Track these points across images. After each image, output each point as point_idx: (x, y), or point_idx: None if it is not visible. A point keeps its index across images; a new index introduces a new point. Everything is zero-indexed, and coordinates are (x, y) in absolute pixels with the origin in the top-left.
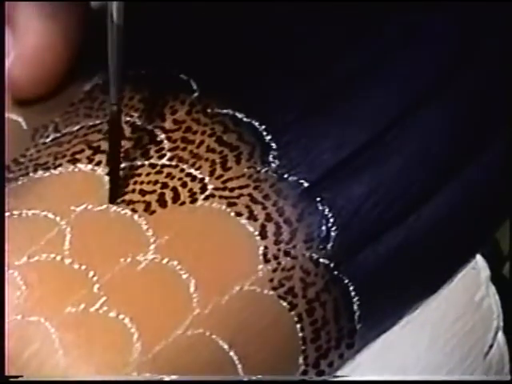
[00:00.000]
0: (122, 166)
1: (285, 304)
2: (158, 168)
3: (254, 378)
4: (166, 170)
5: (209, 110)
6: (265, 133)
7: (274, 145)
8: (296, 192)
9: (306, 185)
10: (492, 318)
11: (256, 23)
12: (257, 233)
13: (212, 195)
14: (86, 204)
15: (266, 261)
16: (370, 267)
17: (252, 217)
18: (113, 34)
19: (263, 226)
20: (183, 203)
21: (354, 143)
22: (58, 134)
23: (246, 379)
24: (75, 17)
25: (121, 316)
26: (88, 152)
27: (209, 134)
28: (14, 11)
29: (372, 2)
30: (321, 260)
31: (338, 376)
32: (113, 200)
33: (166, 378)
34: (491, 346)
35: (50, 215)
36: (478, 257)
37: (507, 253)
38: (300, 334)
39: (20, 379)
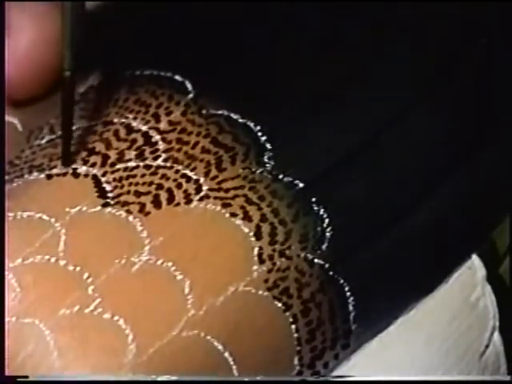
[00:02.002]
0: (118, 167)
1: (280, 305)
2: (153, 169)
3: (252, 378)
4: (160, 171)
5: (204, 111)
6: (260, 134)
7: (269, 146)
8: (291, 193)
9: (301, 185)
10: (488, 318)
11: (251, 25)
12: (252, 233)
13: (207, 196)
14: (80, 206)
15: (261, 261)
16: (365, 268)
17: (247, 217)
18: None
19: (258, 227)
20: (178, 204)
21: (348, 144)
22: (53, 136)
23: (244, 379)
24: None
25: (115, 317)
26: (83, 153)
27: (204, 134)
28: (8, 11)
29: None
30: (316, 260)
31: (337, 376)
32: (65, 163)
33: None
34: (487, 346)
35: (45, 217)
36: (474, 256)
37: (503, 252)
38: (295, 335)
39: (20, 379)
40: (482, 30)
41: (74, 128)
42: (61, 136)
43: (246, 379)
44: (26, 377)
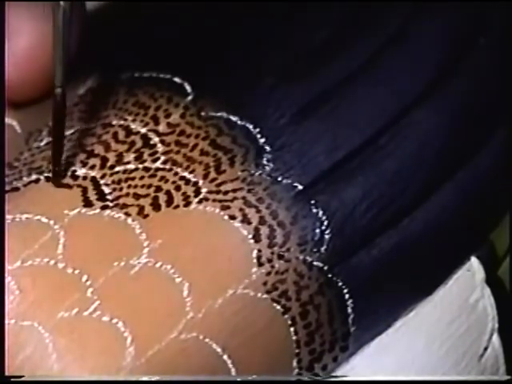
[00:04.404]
0: (117, 169)
1: (278, 307)
2: (152, 171)
3: (249, 378)
4: (159, 174)
5: (203, 113)
6: (259, 136)
7: (267, 148)
8: (290, 195)
9: (299, 188)
10: (487, 320)
11: (250, 27)
12: (250, 236)
13: (206, 198)
14: (79, 208)
15: (260, 264)
16: (364, 270)
17: (245, 220)
18: (59, 16)
19: (257, 229)
20: (177, 207)
21: (348, 146)
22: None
23: (242, 379)
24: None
25: (114, 320)
26: (82, 156)
27: (203, 137)
28: (7, 11)
29: (366, 2)
30: (315, 263)
31: (336, 376)
32: (55, 181)
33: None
34: (486, 348)
35: (44, 219)
36: (473, 258)
37: (502, 254)
38: (294, 338)
39: (20, 379)
40: (481, 30)
41: (72, 131)
42: (52, 153)
43: (244, 379)
44: (23, 377)
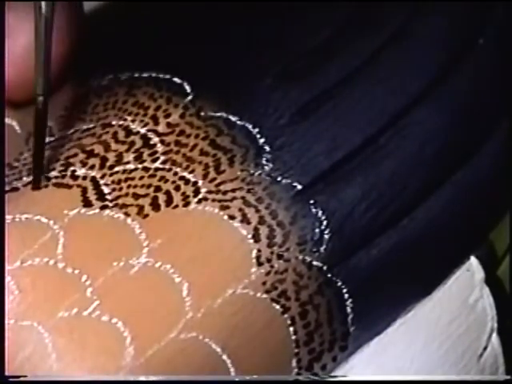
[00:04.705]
0: (116, 169)
1: (278, 307)
2: (152, 171)
3: (248, 378)
4: (159, 174)
5: (202, 113)
6: (258, 136)
7: (267, 148)
8: (289, 195)
9: (299, 188)
10: (486, 320)
11: (249, 27)
12: (250, 236)
13: (205, 198)
14: (79, 208)
15: (259, 264)
16: (364, 270)
17: (245, 220)
18: (40, 25)
19: (256, 229)
20: (176, 206)
21: (347, 146)
22: (52, 138)
23: (241, 379)
24: (67, 17)
25: (113, 320)
26: (81, 156)
27: (202, 137)
28: (7, 11)
29: (366, 2)
30: (314, 263)
31: (335, 376)
32: (35, 188)
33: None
34: (485, 348)
35: (44, 219)
36: (473, 258)
37: (502, 254)
38: (293, 337)
39: (19, 379)
40: (481, 30)
41: (72, 130)
42: (33, 160)
43: (243, 379)
44: (23, 377)
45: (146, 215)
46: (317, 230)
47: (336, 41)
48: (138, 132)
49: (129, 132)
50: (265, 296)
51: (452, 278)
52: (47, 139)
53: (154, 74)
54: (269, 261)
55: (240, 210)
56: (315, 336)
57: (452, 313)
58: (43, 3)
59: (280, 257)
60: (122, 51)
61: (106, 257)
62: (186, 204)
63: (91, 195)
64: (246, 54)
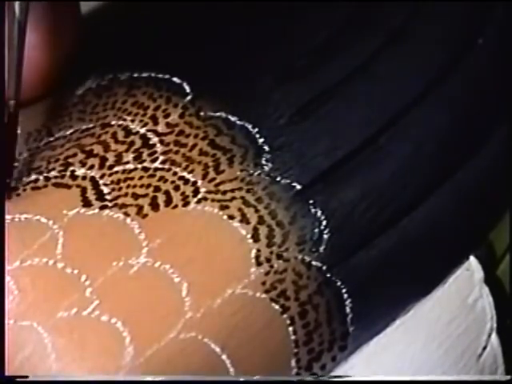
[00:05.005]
0: (116, 169)
1: (277, 307)
2: (151, 171)
3: (248, 378)
4: (158, 174)
5: (202, 113)
6: (258, 136)
7: (266, 148)
8: (288, 195)
9: (298, 188)
10: (486, 320)
11: (248, 26)
12: (249, 236)
13: (204, 198)
14: (78, 208)
15: (259, 264)
16: (363, 270)
17: (244, 220)
18: (14, 29)
19: (255, 229)
20: (176, 206)
21: (347, 146)
22: (51, 138)
23: (241, 379)
24: (65, 18)
25: (113, 320)
26: (81, 156)
27: (202, 137)
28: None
29: (366, 2)
30: (313, 263)
31: (335, 376)
32: (8, 194)
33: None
34: (484, 348)
35: (43, 219)
36: (472, 258)
37: (501, 254)
38: (292, 337)
39: (19, 379)
40: (481, 30)
41: (71, 131)
42: (2, 166)
43: (244, 379)
44: (26, 377)
45: (146, 215)
46: (316, 230)
47: (336, 41)
48: (138, 132)
49: (128, 132)
50: (264, 296)
51: (451, 277)
52: (46, 140)
53: (153, 74)
54: (268, 261)
55: (239, 209)
56: (314, 336)
57: (451, 312)
58: (17, 7)
59: (279, 257)
60: (122, 51)
61: (106, 257)
62: (186, 204)
63: (91, 195)
64: (246, 54)
